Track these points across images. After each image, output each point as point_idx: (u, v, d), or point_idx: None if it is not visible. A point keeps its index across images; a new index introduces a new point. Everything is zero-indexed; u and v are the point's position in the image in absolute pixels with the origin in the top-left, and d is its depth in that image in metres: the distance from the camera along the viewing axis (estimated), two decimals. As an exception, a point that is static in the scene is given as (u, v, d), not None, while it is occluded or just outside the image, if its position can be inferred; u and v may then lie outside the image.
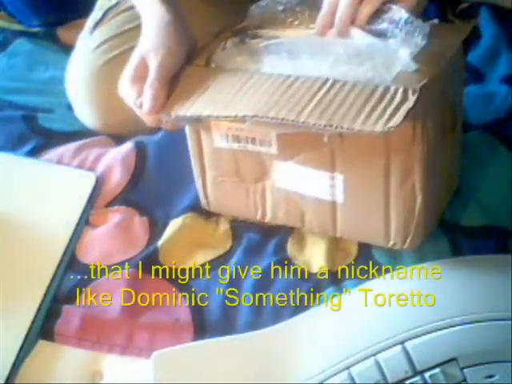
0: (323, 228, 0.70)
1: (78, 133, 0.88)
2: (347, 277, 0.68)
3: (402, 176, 0.62)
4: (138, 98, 0.66)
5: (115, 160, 0.82)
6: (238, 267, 0.71)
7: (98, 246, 0.75)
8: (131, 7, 0.87)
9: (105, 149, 0.85)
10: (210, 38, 0.71)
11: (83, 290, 0.71)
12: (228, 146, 0.68)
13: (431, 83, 0.58)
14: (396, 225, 0.66)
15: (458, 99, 0.69)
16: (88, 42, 0.88)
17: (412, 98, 0.56)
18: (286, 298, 0.67)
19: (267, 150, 0.67)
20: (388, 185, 0.63)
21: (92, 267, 0.73)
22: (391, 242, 0.67)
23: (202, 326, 0.67)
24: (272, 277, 0.69)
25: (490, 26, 0.91)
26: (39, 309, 0.68)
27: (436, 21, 0.64)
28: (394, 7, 0.64)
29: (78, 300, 0.70)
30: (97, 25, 0.89)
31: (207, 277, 0.71)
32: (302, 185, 0.68)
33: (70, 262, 0.73)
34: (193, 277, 0.71)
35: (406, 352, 0.60)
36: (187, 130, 0.70)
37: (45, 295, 0.69)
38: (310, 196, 0.68)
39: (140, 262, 0.72)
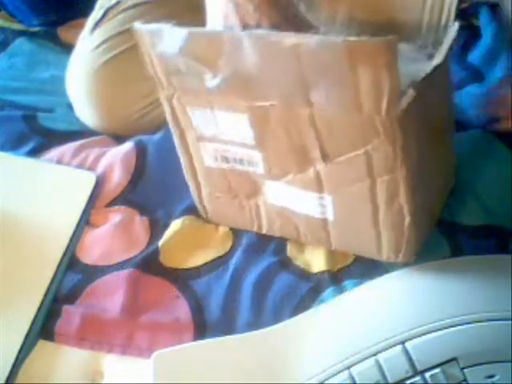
0: (318, 241, 0.70)
1: (79, 132, 0.88)
2: (347, 277, 0.68)
3: (388, 199, 0.62)
4: None
5: (115, 160, 0.82)
6: (239, 267, 0.71)
7: (98, 246, 0.75)
8: (132, 6, 0.87)
9: (105, 148, 0.85)
10: None
11: (83, 290, 0.71)
12: (217, 165, 0.68)
13: (409, 108, 0.56)
14: (387, 242, 0.66)
15: (447, 101, 0.68)
16: (88, 41, 0.88)
17: None
18: (285, 298, 0.68)
19: (255, 170, 0.66)
20: (376, 206, 0.63)
21: (92, 267, 0.73)
22: (384, 257, 0.67)
23: (202, 326, 0.67)
24: (272, 277, 0.69)
25: (490, 25, 0.91)
26: (39, 309, 0.68)
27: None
28: None
29: (78, 300, 0.70)
30: (97, 24, 0.89)
31: (207, 277, 0.71)
32: (292, 203, 0.68)
33: (70, 262, 0.73)
34: (193, 277, 0.71)
35: (406, 352, 0.60)
36: (178, 148, 0.70)
37: (45, 295, 0.69)
38: (302, 213, 0.68)
39: (140, 262, 0.72)
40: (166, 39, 0.60)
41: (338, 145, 0.60)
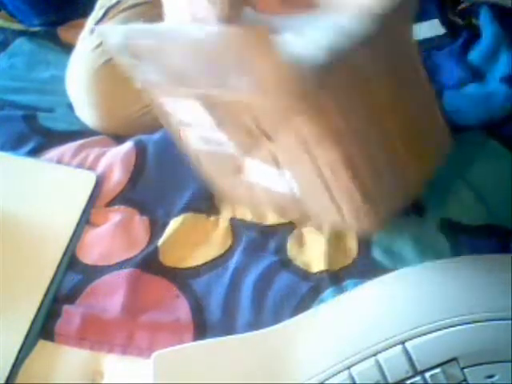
0: (296, 218, 0.71)
1: (79, 132, 0.88)
2: (347, 277, 0.68)
3: (334, 175, 0.62)
4: None
5: (115, 159, 0.82)
6: (238, 267, 0.71)
7: (98, 246, 0.75)
8: (132, 6, 0.87)
9: (105, 148, 0.85)
10: None
11: (83, 289, 0.71)
12: (202, 148, 0.69)
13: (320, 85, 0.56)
14: (348, 214, 0.65)
15: (411, 56, 0.66)
16: (88, 41, 0.88)
17: None
18: (285, 298, 0.68)
19: (228, 149, 0.67)
20: (326, 183, 0.63)
21: (92, 267, 0.73)
22: (349, 227, 0.68)
23: (202, 326, 0.67)
24: (272, 277, 0.69)
25: (490, 25, 0.91)
26: (39, 309, 0.68)
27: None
28: None
29: (78, 300, 0.70)
30: (97, 24, 0.89)
31: (207, 276, 0.71)
32: (265, 179, 0.68)
33: (70, 261, 0.73)
34: (193, 276, 0.71)
35: (406, 352, 0.60)
36: (173, 135, 0.71)
37: (45, 295, 0.69)
38: (277, 190, 0.69)
39: (140, 262, 0.72)
40: (113, 37, 0.62)
41: (273, 126, 0.61)
